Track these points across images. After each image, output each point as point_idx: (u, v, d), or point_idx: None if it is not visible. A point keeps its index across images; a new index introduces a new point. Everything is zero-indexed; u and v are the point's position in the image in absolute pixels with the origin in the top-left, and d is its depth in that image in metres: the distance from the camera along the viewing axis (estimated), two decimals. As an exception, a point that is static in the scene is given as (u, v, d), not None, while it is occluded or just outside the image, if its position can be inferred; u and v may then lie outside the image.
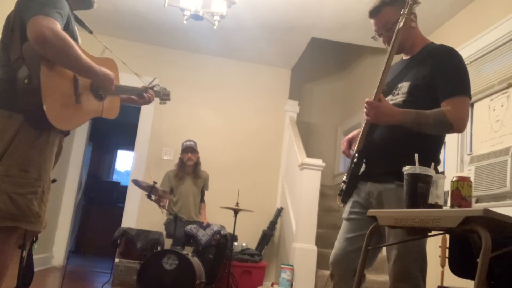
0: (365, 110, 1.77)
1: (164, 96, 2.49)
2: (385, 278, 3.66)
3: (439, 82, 1.77)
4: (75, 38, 1.86)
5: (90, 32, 2.15)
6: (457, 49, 3.37)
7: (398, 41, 1.80)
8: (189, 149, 4.35)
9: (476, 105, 3.36)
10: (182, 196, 4.31)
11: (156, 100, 2.47)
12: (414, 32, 1.91)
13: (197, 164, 4.43)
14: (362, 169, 1.87)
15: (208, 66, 5.30)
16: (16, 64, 1.71)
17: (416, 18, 1.90)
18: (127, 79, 2.37)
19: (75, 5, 1.94)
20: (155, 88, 2.36)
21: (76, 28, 1.95)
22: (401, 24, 1.79)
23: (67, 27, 1.78)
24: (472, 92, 3.24)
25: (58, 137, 1.87)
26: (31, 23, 1.62)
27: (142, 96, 2.28)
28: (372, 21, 1.96)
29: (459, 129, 1.74)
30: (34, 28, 1.61)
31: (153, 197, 3.80)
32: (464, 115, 1.75)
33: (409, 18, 1.78)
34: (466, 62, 3.29)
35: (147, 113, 5.06)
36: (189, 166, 4.37)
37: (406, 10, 1.78)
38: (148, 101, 2.31)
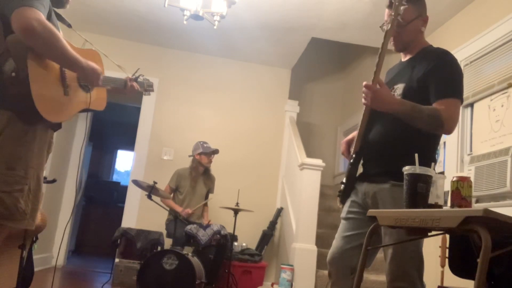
0: (363, 94, 1.77)
1: (147, 87, 2.50)
2: (385, 278, 3.66)
3: (433, 82, 1.78)
4: (58, 29, 1.84)
5: (69, 26, 2.13)
6: (457, 49, 3.42)
7: (387, 42, 1.82)
8: (214, 152, 4.36)
9: (476, 105, 3.36)
10: (189, 195, 4.32)
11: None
12: (421, 36, 1.94)
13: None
14: (359, 170, 1.89)
15: (208, 66, 5.30)
16: (1, 58, 1.67)
17: (427, 23, 1.93)
18: (110, 73, 2.37)
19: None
20: (138, 79, 2.36)
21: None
22: (389, 26, 1.80)
23: (49, 18, 1.75)
24: (472, 92, 3.30)
25: (48, 133, 1.85)
26: (16, 14, 1.58)
27: (125, 86, 2.29)
28: (386, 11, 1.93)
29: (449, 130, 1.75)
30: (20, 19, 1.57)
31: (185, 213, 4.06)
32: (456, 117, 1.76)
33: (396, 19, 1.79)
34: (466, 62, 3.35)
35: (147, 113, 5.06)
36: (202, 167, 4.38)
37: (393, 12, 1.79)
38: (131, 91, 2.31)
